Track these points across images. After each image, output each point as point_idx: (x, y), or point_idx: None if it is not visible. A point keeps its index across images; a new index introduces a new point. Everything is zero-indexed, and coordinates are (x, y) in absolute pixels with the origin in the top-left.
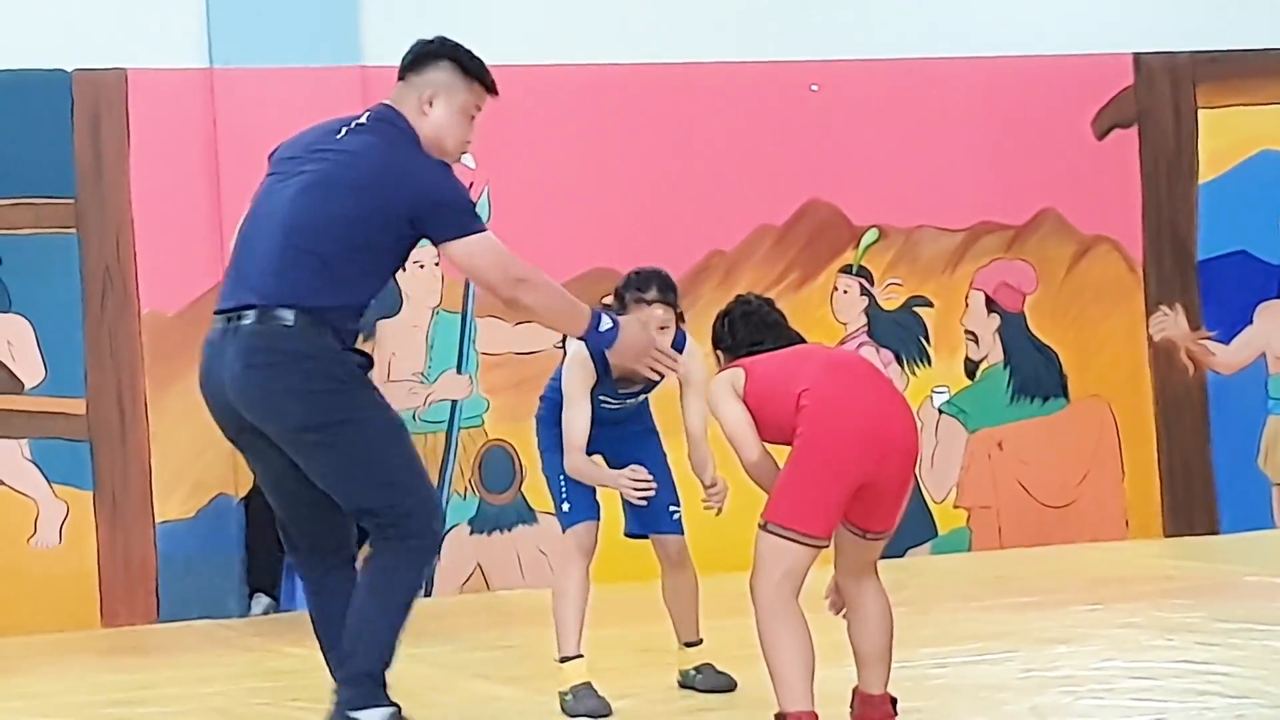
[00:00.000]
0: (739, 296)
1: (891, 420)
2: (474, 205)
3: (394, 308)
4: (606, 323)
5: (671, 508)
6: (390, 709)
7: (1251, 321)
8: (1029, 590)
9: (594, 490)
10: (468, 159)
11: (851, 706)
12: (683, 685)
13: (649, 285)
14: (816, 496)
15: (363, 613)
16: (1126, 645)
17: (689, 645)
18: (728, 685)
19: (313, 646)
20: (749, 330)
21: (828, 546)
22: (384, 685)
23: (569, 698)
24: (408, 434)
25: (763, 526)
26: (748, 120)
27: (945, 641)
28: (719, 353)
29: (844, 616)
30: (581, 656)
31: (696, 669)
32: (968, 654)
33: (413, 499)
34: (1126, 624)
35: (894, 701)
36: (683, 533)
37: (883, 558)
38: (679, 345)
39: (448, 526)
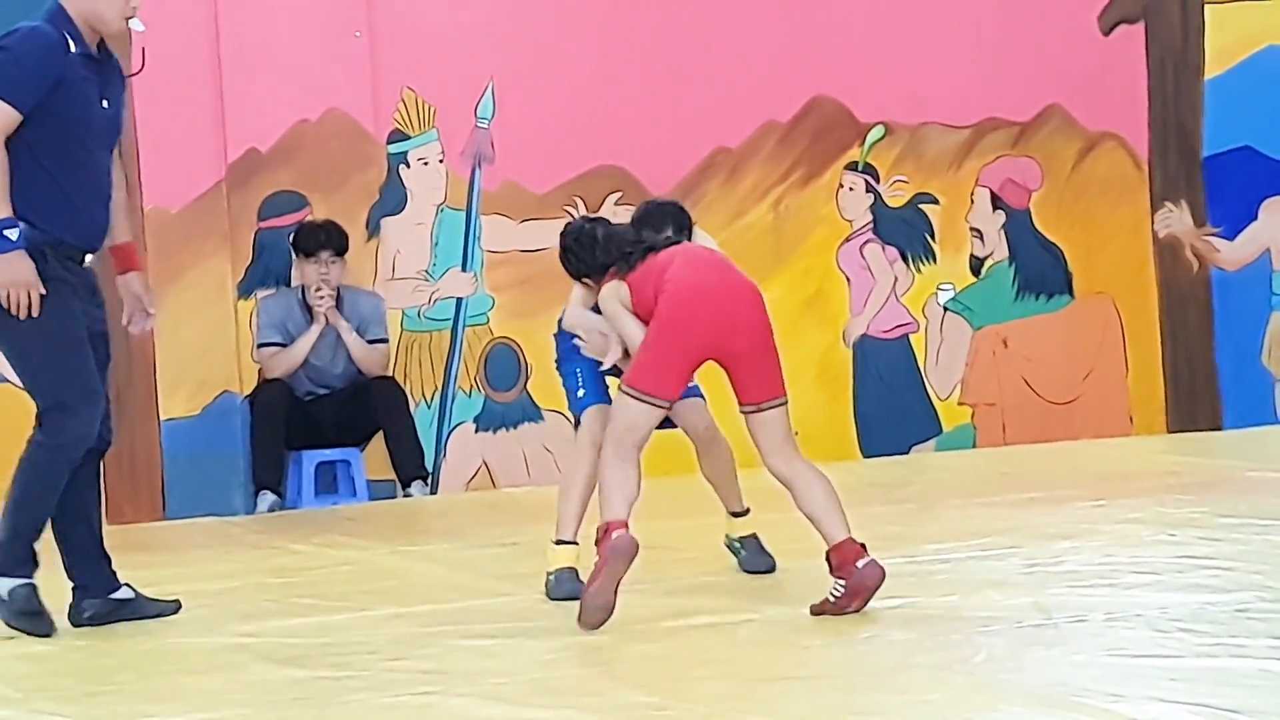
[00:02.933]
0: (569, 226)
1: (735, 298)
2: (14, 76)
3: (398, 205)
4: (10, 234)
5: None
6: (19, 581)
7: (1256, 217)
8: (1033, 486)
9: (606, 381)
10: (135, 23)
11: (828, 563)
12: (729, 548)
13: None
14: (660, 363)
15: (9, 491)
16: (1129, 540)
17: (735, 515)
18: (767, 566)
19: (321, 543)
20: (613, 249)
21: (668, 408)
22: (23, 560)
23: (551, 580)
24: (65, 338)
25: (619, 389)
26: (754, 15)
27: (949, 537)
28: (586, 280)
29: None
30: (576, 544)
31: (741, 540)
32: (971, 549)
33: (48, 401)
34: (1129, 519)
35: (863, 545)
36: (702, 397)
37: (889, 454)
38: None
39: (454, 423)
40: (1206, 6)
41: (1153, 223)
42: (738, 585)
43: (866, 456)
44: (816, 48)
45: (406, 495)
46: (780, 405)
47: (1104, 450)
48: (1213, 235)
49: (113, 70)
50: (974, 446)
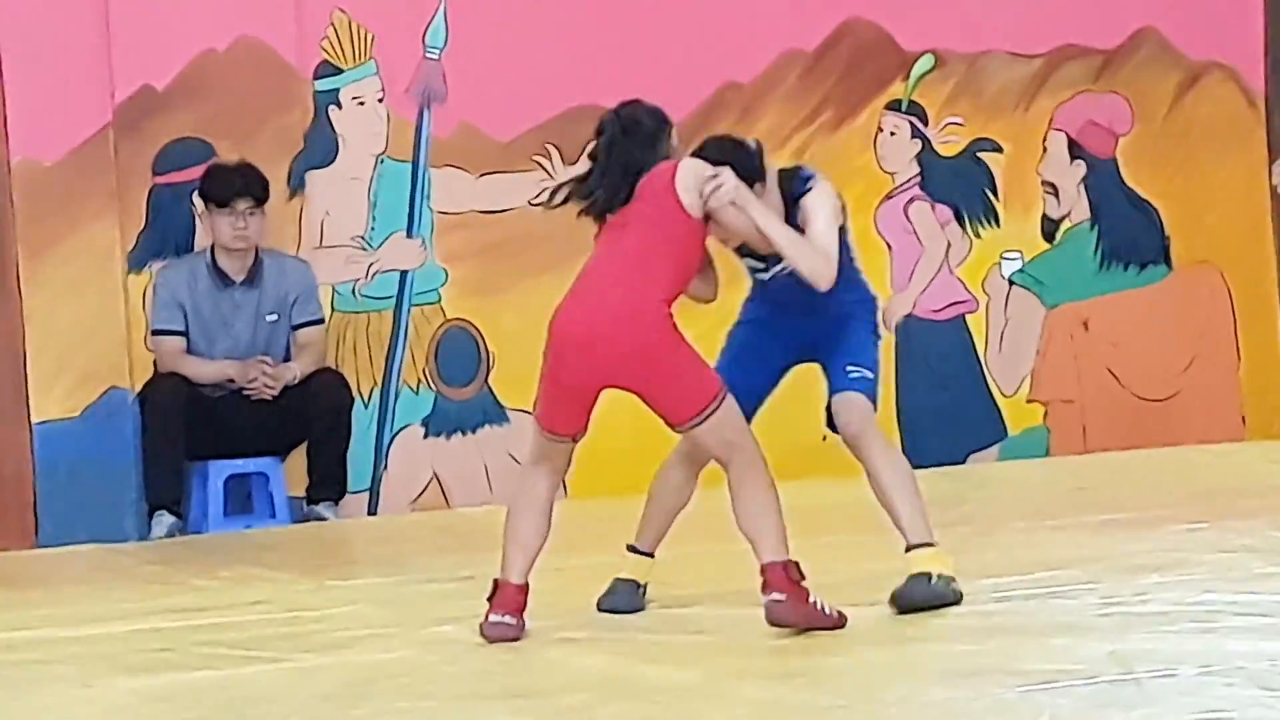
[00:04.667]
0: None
1: (596, 344)
2: None
3: (327, 156)
4: None
5: (850, 367)
6: None
7: None
8: (1117, 505)
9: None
10: None
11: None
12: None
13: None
14: (545, 399)
15: None
16: (1234, 574)
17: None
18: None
19: (229, 577)
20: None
21: (566, 441)
22: None
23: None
24: None
25: None
26: None
27: (1010, 569)
28: None
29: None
30: (649, 555)
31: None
32: (1037, 585)
33: None
34: (1236, 548)
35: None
36: (860, 391)
37: (941, 463)
38: (798, 196)
39: (398, 426)
40: None
41: (1270, 175)
42: (742, 635)
43: (914, 467)
44: None
45: (313, 519)
46: (702, 421)
47: (1209, 459)
48: None
49: None
50: (1046, 455)
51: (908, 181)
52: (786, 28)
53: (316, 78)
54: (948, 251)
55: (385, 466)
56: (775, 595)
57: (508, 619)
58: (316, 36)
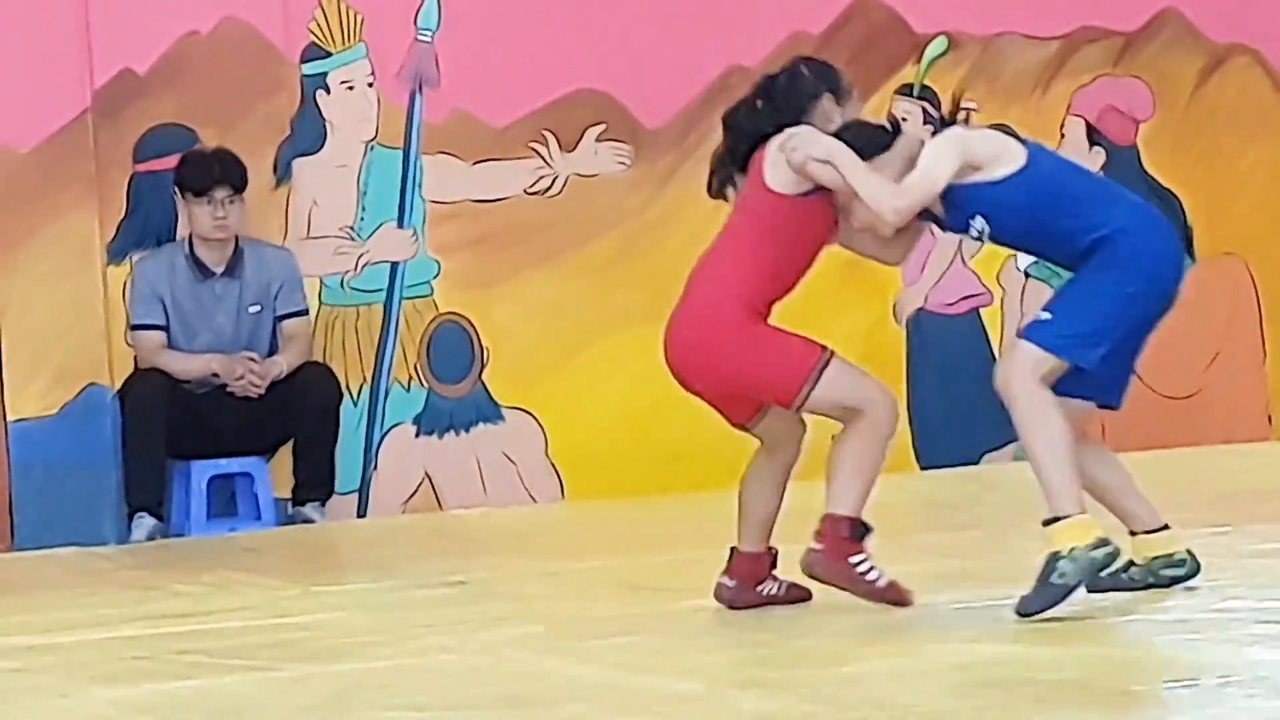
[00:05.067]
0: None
1: (675, 349)
2: None
3: (315, 142)
4: None
5: (1041, 312)
6: None
7: None
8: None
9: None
10: None
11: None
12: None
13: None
14: None
15: None
16: (1259, 580)
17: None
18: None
19: (212, 582)
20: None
21: (751, 430)
22: None
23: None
24: None
25: None
26: None
27: (1024, 576)
28: None
29: None
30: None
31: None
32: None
33: None
34: (1262, 552)
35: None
36: (1025, 337)
37: (954, 464)
38: None
39: (389, 424)
40: None
41: None
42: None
43: (925, 468)
44: None
45: (299, 520)
46: (807, 396)
47: (1234, 460)
48: None
49: None
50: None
51: None
52: (794, 9)
53: (304, 61)
54: (961, 243)
55: (375, 466)
56: (814, 545)
57: (726, 580)
58: (304, 18)
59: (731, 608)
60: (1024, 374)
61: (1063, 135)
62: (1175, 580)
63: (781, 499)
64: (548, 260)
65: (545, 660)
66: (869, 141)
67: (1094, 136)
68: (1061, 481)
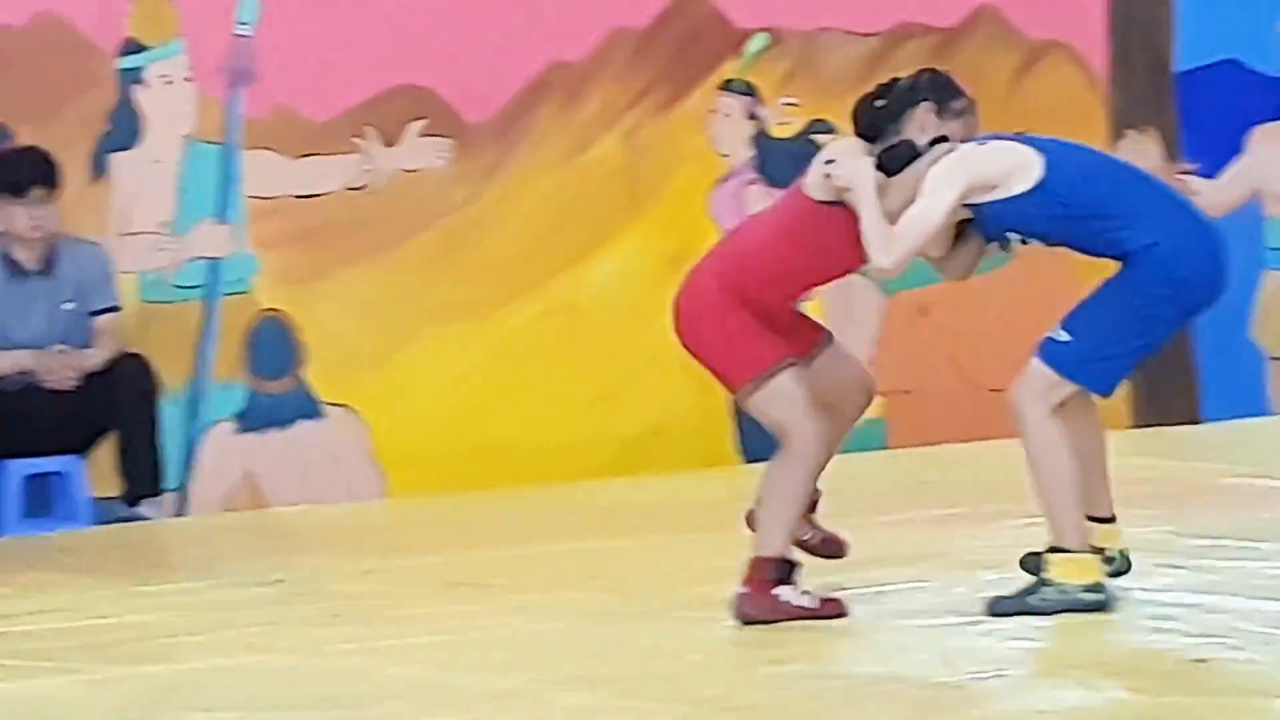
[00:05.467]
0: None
1: (680, 287)
2: None
3: (132, 137)
4: None
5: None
6: None
7: (1242, 150)
8: (956, 499)
9: None
10: None
11: None
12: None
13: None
14: None
15: None
16: None
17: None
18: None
19: (25, 584)
20: None
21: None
22: None
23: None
24: None
25: None
26: None
27: (842, 567)
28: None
29: None
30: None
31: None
32: (870, 582)
33: None
34: None
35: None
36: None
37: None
38: None
39: (208, 421)
40: None
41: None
42: None
43: (749, 461)
44: None
45: (133, 519)
46: (748, 395)
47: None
48: (1188, 174)
49: None
50: (884, 447)
51: (742, 164)
52: (616, 5)
53: (120, 55)
54: None
55: (195, 464)
56: (741, 588)
57: None
58: (120, 11)
59: None
60: (1036, 398)
61: None
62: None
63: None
64: (369, 256)
65: (364, 659)
66: (898, 161)
67: None
68: (1067, 517)
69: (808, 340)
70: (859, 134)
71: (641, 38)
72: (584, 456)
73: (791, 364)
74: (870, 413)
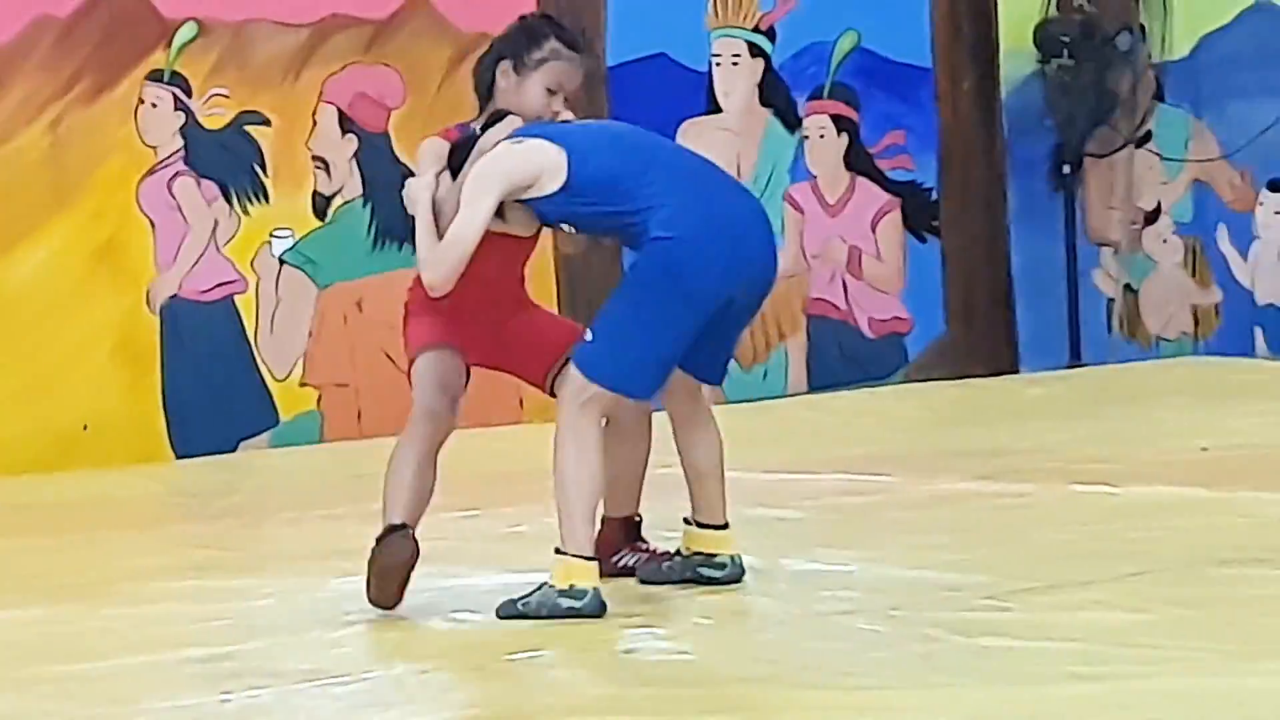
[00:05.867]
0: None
1: None
2: None
3: None
4: None
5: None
6: None
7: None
8: None
9: None
10: None
11: None
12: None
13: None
14: None
15: None
16: (489, 563)
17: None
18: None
19: None
20: None
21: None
22: None
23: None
24: None
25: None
26: None
27: (272, 563)
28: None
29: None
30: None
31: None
32: (296, 575)
33: None
34: (509, 534)
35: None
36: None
37: (210, 452)
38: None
39: None
40: None
41: None
42: None
43: (181, 457)
44: None
45: None
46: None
47: (486, 443)
48: None
49: None
50: (321, 440)
51: (172, 156)
52: None
53: None
54: (215, 229)
55: None
56: None
57: None
58: None
59: None
60: (570, 403)
61: (315, 122)
62: (711, 580)
63: (631, 465)
64: None
65: None
66: (460, 157)
67: (347, 124)
68: (575, 523)
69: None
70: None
71: (66, 26)
72: (11, 452)
73: (432, 348)
74: (304, 405)
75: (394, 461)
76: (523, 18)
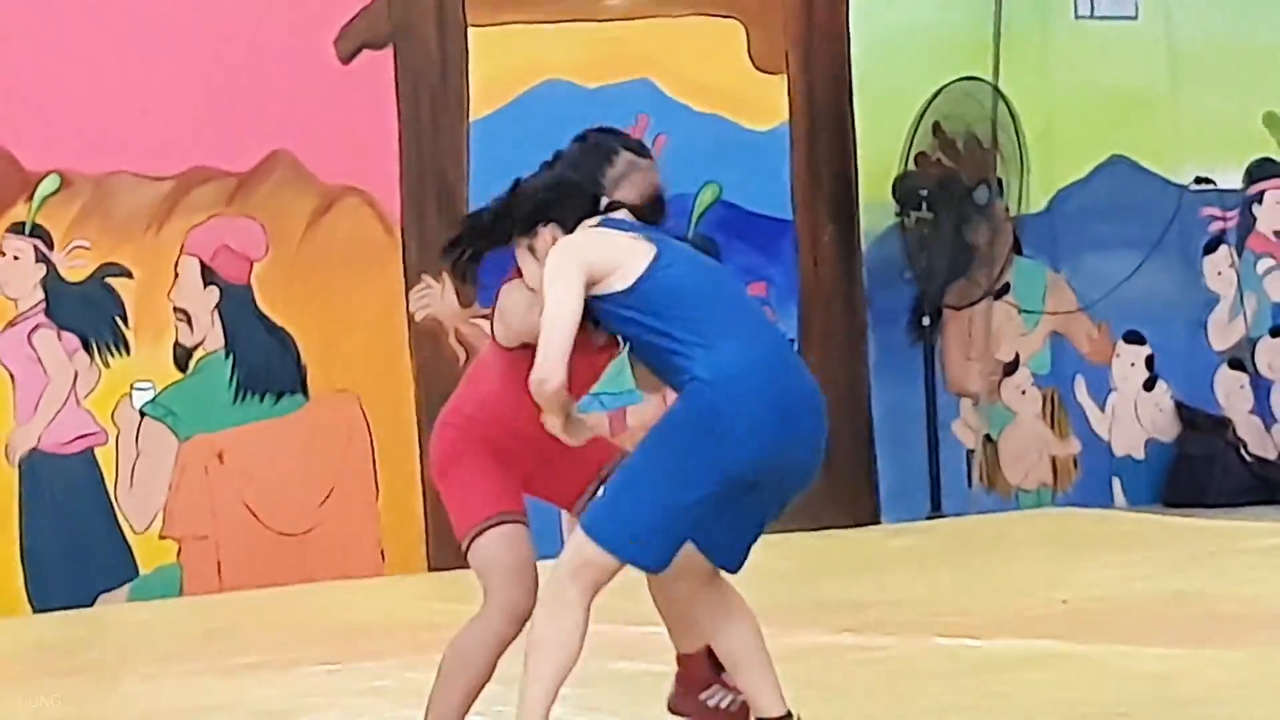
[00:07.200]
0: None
1: None
2: None
3: None
4: None
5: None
6: None
7: None
8: (254, 646)
9: None
10: None
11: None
12: None
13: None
14: None
15: None
16: (366, 718)
17: None
18: None
19: None
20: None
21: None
22: None
23: None
24: None
25: None
26: None
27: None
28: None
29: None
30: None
31: None
32: None
33: None
34: (371, 689)
35: None
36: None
37: (68, 606)
38: None
39: None
40: (470, 29)
41: (408, 302)
42: None
43: (38, 610)
44: None
45: None
46: (465, 552)
47: (348, 595)
48: (483, 318)
49: None
50: (180, 594)
51: (33, 308)
52: None
53: None
54: (75, 381)
55: None
56: None
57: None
58: None
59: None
60: (564, 564)
61: (177, 274)
62: None
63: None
64: None
65: None
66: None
67: (209, 275)
68: (533, 704)
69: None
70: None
71: None
72: None
73: (502, 518)
74: (164, 558)
75: (461, 658)
76: (584, 135)
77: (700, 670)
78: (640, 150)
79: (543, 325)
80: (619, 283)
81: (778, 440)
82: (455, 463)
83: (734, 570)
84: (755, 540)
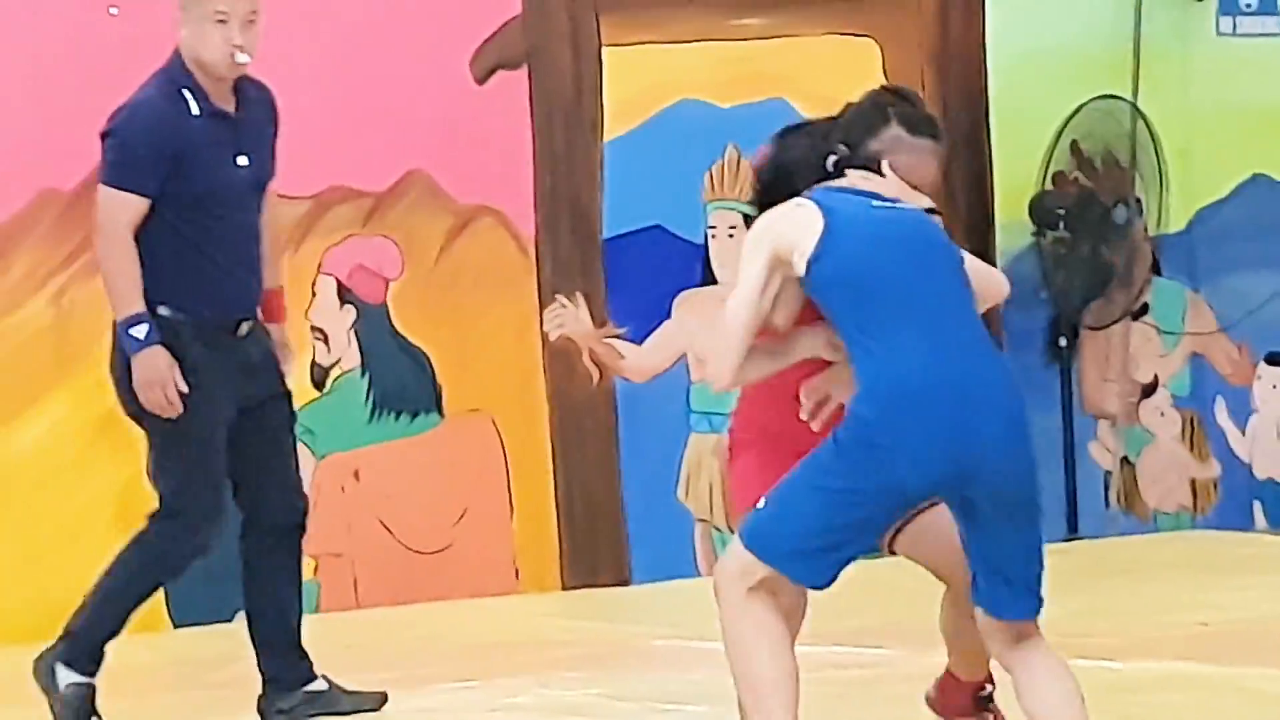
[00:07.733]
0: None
1: None
2: (129, 161)
3: None
4: (137, 332)
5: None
6: (78, 678)
7: (669, 315)
8: (388, 663)
9: None
10: (241, 56)
11: None
12: None
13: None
14: None
15: (103, 576)
16: None
17: None
18: None
19: None
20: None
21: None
22: (91, 656)
23: None
24: (199, 448)
25: None
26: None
27: None
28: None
29: None
30: None
31: None
32: None
33: (168, 507)
34: (505, 706)
35: None
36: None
37: (208, 621)
38: None
39: None
40: (605, 49)
41: (541, 322)
42: None
43: (178, 625)
44: (103, 94)
45: None
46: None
47: (482, 613)
48: (616, 338)
49: (251, 119)
50: (317, 610)
51: None
52: (44, 166)
53: None
54: None
55: None
56: None
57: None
58: None
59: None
60: (730, 580)
61: (314, 293)
62: None
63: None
64: None
65: None
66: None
67: (344, 295)
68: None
69: None
70: None
71: (70, 199)
72: (9, 622)
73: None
74: (304, 575)
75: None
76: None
77: (963, 700)
78: (915, 126)
79: (722, 334)
80: (799, 264)
81: (951, 454)
82: (738, 447)
83: (1008, 616)
84: (1017, 569)
